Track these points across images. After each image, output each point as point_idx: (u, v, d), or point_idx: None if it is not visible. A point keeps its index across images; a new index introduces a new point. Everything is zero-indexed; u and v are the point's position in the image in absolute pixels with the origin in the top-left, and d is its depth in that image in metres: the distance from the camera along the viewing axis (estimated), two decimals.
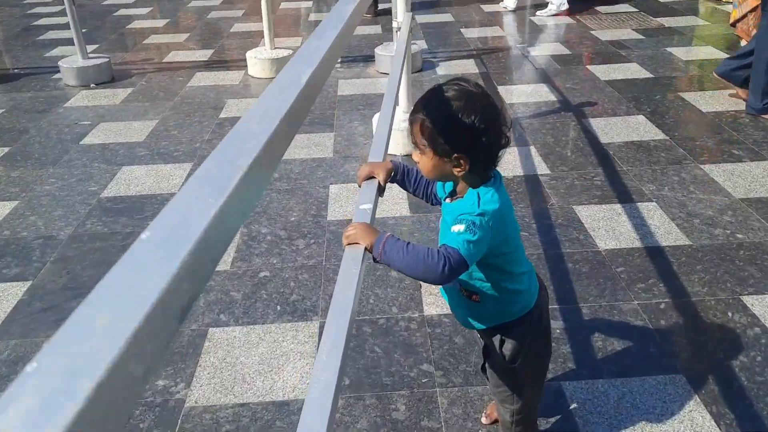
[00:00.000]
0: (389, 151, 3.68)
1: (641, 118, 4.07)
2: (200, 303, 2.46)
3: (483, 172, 1.37)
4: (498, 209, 1.34)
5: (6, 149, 3.97)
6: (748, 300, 2.36)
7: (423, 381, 2.05)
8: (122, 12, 7.93)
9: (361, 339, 2.24)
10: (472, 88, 1.37)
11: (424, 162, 1.36)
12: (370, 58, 5.46)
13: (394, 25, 3.79)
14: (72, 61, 5.22)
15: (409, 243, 1.31)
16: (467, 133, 1.31)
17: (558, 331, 2.23)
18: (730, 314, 2.30)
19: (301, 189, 3.32)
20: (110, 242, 2.90)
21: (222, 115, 4.42)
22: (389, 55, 5.11)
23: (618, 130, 3.90)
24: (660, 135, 3.80)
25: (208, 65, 5.65)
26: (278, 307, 2.43)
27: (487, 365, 1.64)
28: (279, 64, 5.20)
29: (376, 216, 1.47)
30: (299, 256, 2.74)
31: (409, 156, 3.62)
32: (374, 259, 1.33)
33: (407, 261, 1.29)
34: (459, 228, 1.30)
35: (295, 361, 2.16)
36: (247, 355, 2.20)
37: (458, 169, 1.34)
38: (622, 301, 2.38)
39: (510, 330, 1.50)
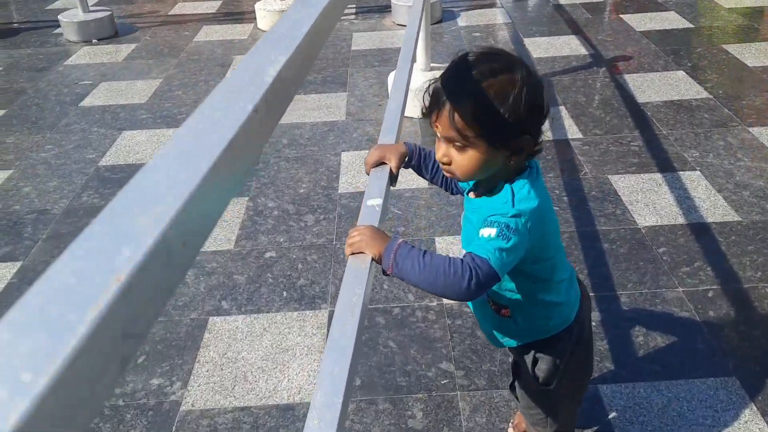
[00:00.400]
0: (406, 114, 3.40)
1: (681, 74, 3.73)
2: (201, 287, 2.27)
3: (530, 158, 1.13)
4: (537, 207, 1.10)
5: (2, 112, 3.76)
6: None
7: (442, 382, 1.85)
8: None
9: (374, 331, 2.04)
10: (504, 52, 1.12)
11: (469, 159, 1.07)
12: (386, 9, 5.12)
13: None
14: (72, 15, 4.94)
15: (426, 252, 1.08)
16: (529, 110, 1.05)
17: (593, 323, 2.01)
18: None
19: (311, 157, 3.08)
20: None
21: (230, 74, 4.14)
22: (406, 4, 4.77)
23: (656, 87, 3.57)
24: (702, 93, 3.47)
25: (216, 18, 5.34)
26: (284, 293, 2.22)
27: (517, 385, 1.42)
28: None
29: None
30: (308, 233, 2.52)
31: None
32: (384, 272, 1.10)
33: (424, 275, 1.06)
34: (489, 232, 1.06)
35: (302, 357, 1.96)
36: (250, 349, 2.00)
37: (515, 159, 1.09)
38: (666, 288, 2.14)
39: (545, 348, 1.27)
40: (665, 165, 2.84)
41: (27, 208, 2.80)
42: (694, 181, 2.71)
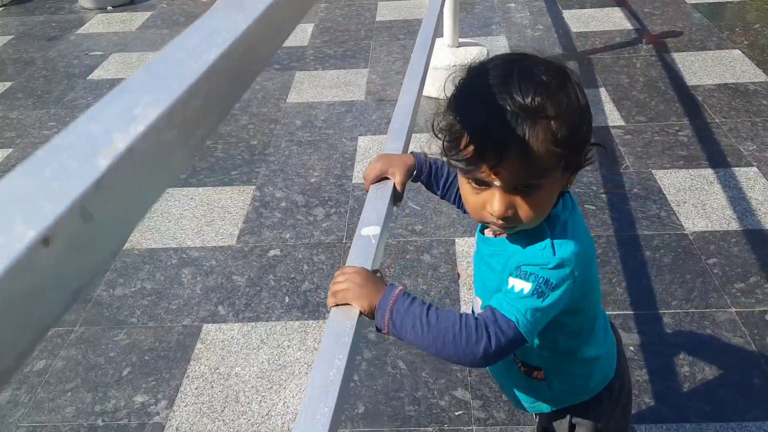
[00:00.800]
0: (424, 93, 3.13)
1: (737, 53, 3.38)
2: (197, 289, 2.08)
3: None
4: (582, 251, 0.87)
5: (8, 84, 3.60)
6: None
7: (456, 414, 1.63)
8: None
9: (382, 348, 1.82)
10: (528, 54, 0.88)
11: (541, 198, 0.83)
12: None
13: None
14: None
15: (430, 307, 0.85)
16: (589, 113, 0.86)
17: (631, 349, 1.76)
18: None
19: (326, 141, 2.85)
20: None
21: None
22: None
23: (708, 68, 3.24)
24: (761, 76, 3.13)
25: None
26: (286, 299, 2.02)
27: None
28: None
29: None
30: (317, 229, 2.31)
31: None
32: (377, 328, 0.89)
33: (429, 340, 0.84)
34: (522, 287, 0.84)
35: (300, 376, 1.76)
36: (245, 363, 1.81)
37: (572, 179, 0.89)
38: (716, 308, 1.88)
39: (585, 412, 1.05)
40: (718, 159, 2.54)
41: None
42: (751, 178, 2.42)
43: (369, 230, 1.02)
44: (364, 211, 1.04)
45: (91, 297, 2.06)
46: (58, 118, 3.19)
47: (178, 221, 2.39)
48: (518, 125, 0.77)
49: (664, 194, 2.37)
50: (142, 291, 2.08)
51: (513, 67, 0.81)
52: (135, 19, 4.46)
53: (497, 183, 0.81)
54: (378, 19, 4.18)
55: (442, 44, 3.18)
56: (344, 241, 2.24)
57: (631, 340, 1.79)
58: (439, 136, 0.87)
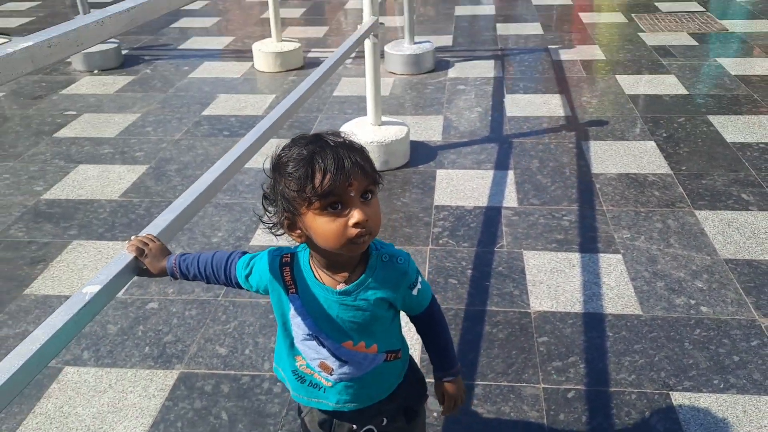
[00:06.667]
0: None
1: (651, 145, 3.55)
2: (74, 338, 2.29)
3: None
4: None
5: None
6: (677, 398, 1.93)
7: None
8: None
9: (213, 400, 2.00)
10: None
11: (377, 208, 1.09)
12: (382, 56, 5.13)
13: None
14: None
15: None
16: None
17: (434, 414, 1.90)
18: (647, 414, 1.89)
19: (241, 205, 3.09)
20: (21, 253, 2.78)
21: (205, 112, 4.24)
22: (399, 54, 4.78)
23: (618, 158, 3.42)
24: (663, 168, 3.29)
25: (222, 55, 5.50)
26: (146, 349, 2.22)
27: None
28: (284, 58, 4.97)
29: None
30: (199, 287, 2.52)
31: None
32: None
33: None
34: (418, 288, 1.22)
35: (131, 419, 1.94)
36: (87, 405, 2.00)
37: None
38: (527, 383, 2.01)
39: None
40: (589, 245, 2.70)
41: None
42: (612, 265, 2.56)
43: (89, 288, 1.23)
44: (99, 271, 1.26)
45: None
46: (12, 171, 3.51)
47: (80, 271, 2.63)
48: (349, 151, 1.05)
49: (524, 274, 2.52)
50: (24, 333, 2.30)
51: (316, 134, 1.09)
52: (117, 82, 4.86)
53: (353, 194, 1.03)
54: (335, 93, 4.49)
55: (366, 122, 3.45)
56: (219, 299, 2.45)
57: (436, 407, 1.93)
58: (289, 192, 1.05)
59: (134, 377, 2.10)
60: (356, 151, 1.07)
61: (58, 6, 7.43)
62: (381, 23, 3.19)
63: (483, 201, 3.05)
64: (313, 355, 1.20)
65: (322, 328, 1.17)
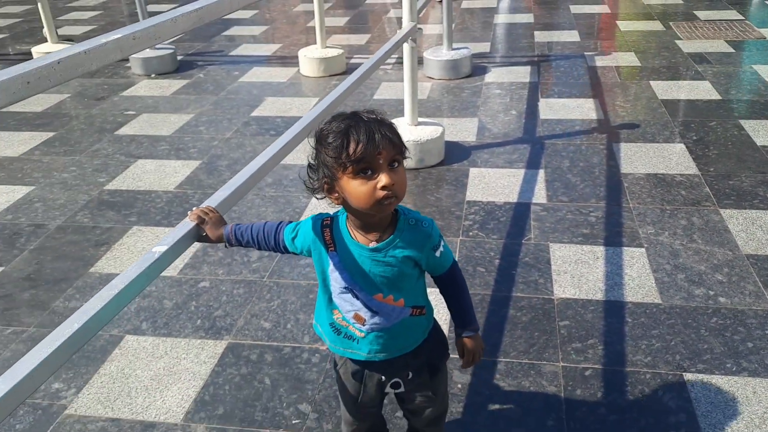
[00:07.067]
0: None
1: (680, 147, 3.65)
2: (132, 307, 2.53)
3: None
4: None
5: (51, 134, 4.30)
6: (689, 378, 2.05)
7: (293, 422, 1.98)
8: None
9: (256, 367, 2.20)
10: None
11: (403, 176, 1.27)
12: (421, 61, 5.32)
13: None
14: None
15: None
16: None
17: (459, 386, 2.07)
18: (660, 392, 2.01)
19: (285, 197, 3.31)
20: (87, 236, 3.05)
21: (253, 114, 4.50)
22: (438, 59, 4.97)
23: (646, 159, 3.53)
24: (691, 169, 3.39)
25: (269, 60, 5.77)
26: (198, 321, 2.44)
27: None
28: (328, 63, 5.21)
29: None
30: (246, 269, 2.74)
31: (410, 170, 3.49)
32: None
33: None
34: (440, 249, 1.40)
35: (184, 381, 2.16)
36: (145, 368, 2.23)
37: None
38: (547, 362, 2.16)
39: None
40: (613, 239, 2.82)
41: (30, 221, 3.21)
42: (634, 258, 2.68)
43: (158, 248, 1.45)
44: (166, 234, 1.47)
45: (50, 307, 2.56)
46: (78, 164, 3.82)
47: (140, 253, 2.88)
48: (380, 125, 1.23)
49: (550, 264, 2.67)
50: None
51: (354, 111, 1.28)
52: (172, 85, 5.17)
53: (381, 161, 1.20)
54: (375, 97, 4.70)
55: (404, 122, 3.64)
56: (264, 279, 2.66)
57: (461, 379, 2.09)
58: (328, 159, 1.23)
59: (187, 346, 2.32)
60: (386, 126, 1.25)
61: (116, 15, 7.86)
62: (419, 28, 3.38)
63: (513, 197, 3.20)
64: (348, 307, 1.39)
65: (357, 281, 1.35)
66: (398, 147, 1.25)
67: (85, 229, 3.12)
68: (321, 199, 1.35)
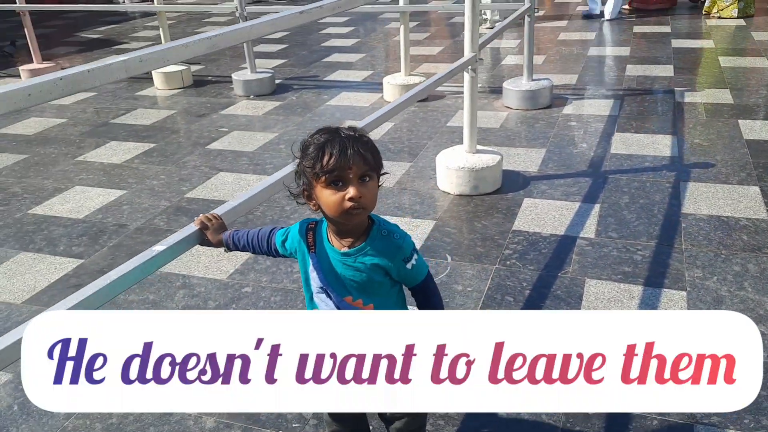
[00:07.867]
0: (440, 187, 3.67)
1: (754, 190, 3.47)
2: (181, 306, 2.79)
3: None
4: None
5: (152, 145, 4.76)
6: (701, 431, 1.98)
7: (293, 426, 2.12)
8: (326, 31, 8.74)
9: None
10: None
11: (373, 191, 1.38)
12: (500, 90, 5.38)
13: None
14: (242, 74, 5.99)
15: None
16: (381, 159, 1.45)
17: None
18: None
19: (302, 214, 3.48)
20: (158, 238, 3.37)
21: None
22: (516, 89, 5.01)
23: (714, 200, 3.39)
24: (761, 214, 3.22)
25: (358, 86, 6.04)
26: None
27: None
28: (409, 90, 5.37)
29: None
30: (288, 278, 2.93)
31: (463, 197, 3.58)
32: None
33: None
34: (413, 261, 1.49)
35: None
36: None
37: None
38: None
39: None
40: (655, 279, 2.75)
41: (116, 221, 3.60)
42: (673, 300, 2.60)
43: (157, 247, 1.65)
44: (169, 237, 1.68)
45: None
46: (168, 173, 4.21)
47: (197, 257, 3.16)
48: (355, 141, 1.37)
49: (581, 300, 2.65)
50: (145, 300, 2.84)
51: (337, 127, 1.43)
52: (266, 106, 5.55)
53: (351, 175, 1.33)
54: (449, 124, 4.81)
55: (462, 149, 3.72)
56: (301, 290, 2.83)
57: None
58: (306, 168, 1.38)
59: None
60: (361, 143, 1.37)
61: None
62: (480, 59, 3.47)
63: (561, 230, 3.19)
64: (323, 306, 1.52)
65: (330, 282, 1.48)
66: (370, 163, 1.36)
67: (159, 232, 3.45)
68: (302, 204, 1.49)
